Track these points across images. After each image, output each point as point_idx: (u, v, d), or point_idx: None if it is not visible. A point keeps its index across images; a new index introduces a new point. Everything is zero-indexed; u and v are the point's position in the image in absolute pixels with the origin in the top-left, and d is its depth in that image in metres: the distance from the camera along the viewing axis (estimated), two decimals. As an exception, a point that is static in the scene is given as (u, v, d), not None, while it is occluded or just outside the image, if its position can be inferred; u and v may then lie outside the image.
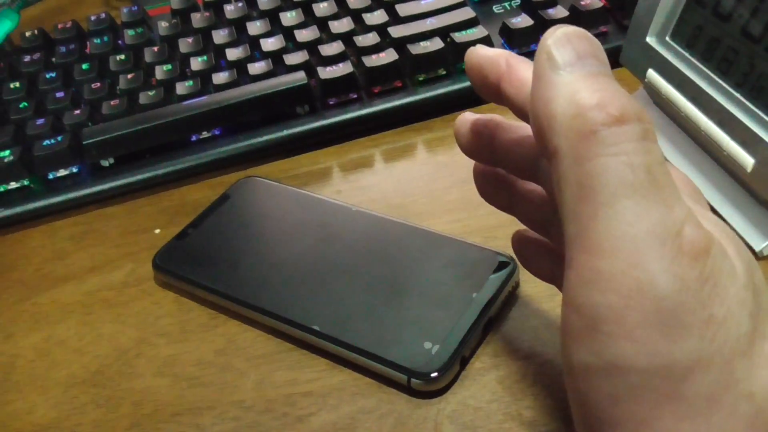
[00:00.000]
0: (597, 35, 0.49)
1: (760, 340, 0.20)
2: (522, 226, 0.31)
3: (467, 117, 0.29)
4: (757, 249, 0.34)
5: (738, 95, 0.34)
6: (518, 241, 0.31)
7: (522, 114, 0.25)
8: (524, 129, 0.27)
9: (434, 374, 0.32)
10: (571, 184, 0.20)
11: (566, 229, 0.21)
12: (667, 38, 0.39)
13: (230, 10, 0.55)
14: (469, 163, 0.44)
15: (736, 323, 0.19)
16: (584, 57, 0.21)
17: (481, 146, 0.29)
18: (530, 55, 0.48)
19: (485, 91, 0.26)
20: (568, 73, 0.21)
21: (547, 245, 0.30)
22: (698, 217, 0.20)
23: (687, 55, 0.37)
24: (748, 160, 0.33)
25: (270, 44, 0.51)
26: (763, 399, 0.19)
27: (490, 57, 0.25)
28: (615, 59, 0.44)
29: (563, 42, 0.21)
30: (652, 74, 0.39)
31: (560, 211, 0.21)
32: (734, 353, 0.19)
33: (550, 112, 0.21)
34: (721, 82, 0.35)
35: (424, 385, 0.32)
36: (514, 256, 0.36)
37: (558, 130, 0.20)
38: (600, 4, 0.49)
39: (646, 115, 0.20)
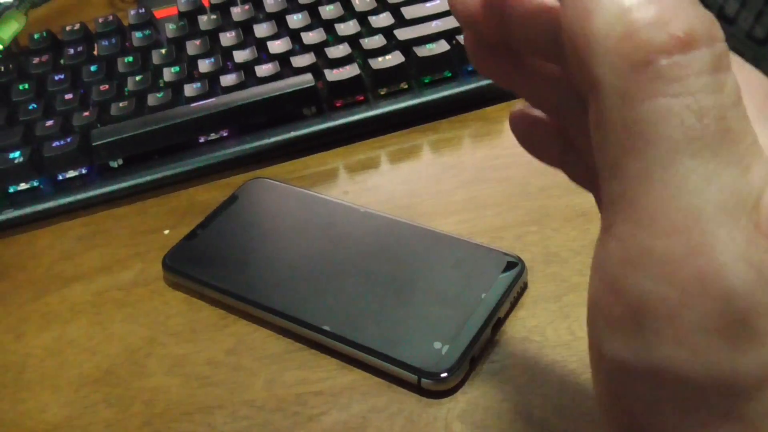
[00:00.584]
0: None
1: None
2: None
3: None
4: None
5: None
6: (520, 120, 0.25)
7: (535, 41, 0.20)
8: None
9: (444, 374, 0.32)
10: (617, 131, 0.16)
11: (606, 185, 0.16)
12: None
13: (237, 12, 0.55)
14: (474, 164, 0.45)
15: None
16: None
17: (488, 16, 0.22)
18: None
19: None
20: None
21: (556, 127, 0.24)
22: None
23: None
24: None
25: (277, 46, 0.52)
26: None
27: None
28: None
29: None
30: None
31: (598, 158, 0.17)
32: None
33: (589, 28, 0.16)
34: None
35: (434, 384, 0.32)
36: (522, 257, 0.36)
37: (600, 56, 0.16)
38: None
39: (719, 31, 0.16)
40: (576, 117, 0.22)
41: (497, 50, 0.23)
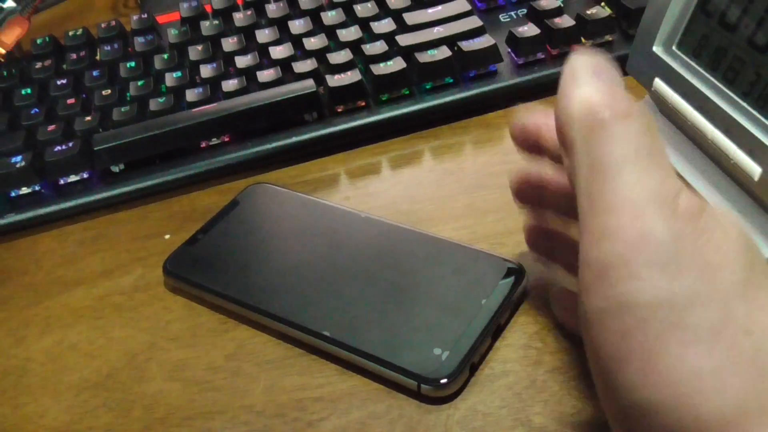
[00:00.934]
0: (602, 44, 0.50)
1: (754, 288, 0.22)
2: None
3: (517, 169, 0.34)
4: (764, 257, 0.35)
5: (745, 104, 0.34)
6: (560, 295, 0.34)
7: (559, 158, 0.29)
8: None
9: (444, 380, 0.32)
10: (584, 167, 0.24)
11: (580, 207, 0.24)
12: (674, 48, 0.39)
13: (239, 17, 0.56)
14: (475, 170, 0.45)
15: (730, 271, 0.22)
16: (599, 72, 0.25)
17: (531, 193, 0.34)
18: (537, 62, 0.49)
19: (527, 145, 0.32)
20: (585, 84, 0.25)
21: None
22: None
23: (693, 64, 0.38)
24: (755, 169, 0.33)
25: (279, 52, 0.52)
26: (760, 338, 0.21)
27: (531, 118, 0.31)
28: (621, 68, 0.44)
29: (583, 62, 0.26)
30: (658, 83, 0.40)
31: (576, 193, 0.24)
32: (730, 295, 0.21)
33: (568, 113, 0.25)
34: (727, 91, 0.35)
35: (433, 391, 0.32)
36: (523, 263, 0.36)
37: (574, 126, 0.24)
38: (606, 14, 0.49)
39: (650, 116, 0.24)
40: None
41: (544, 233, 0.34)
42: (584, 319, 0.23)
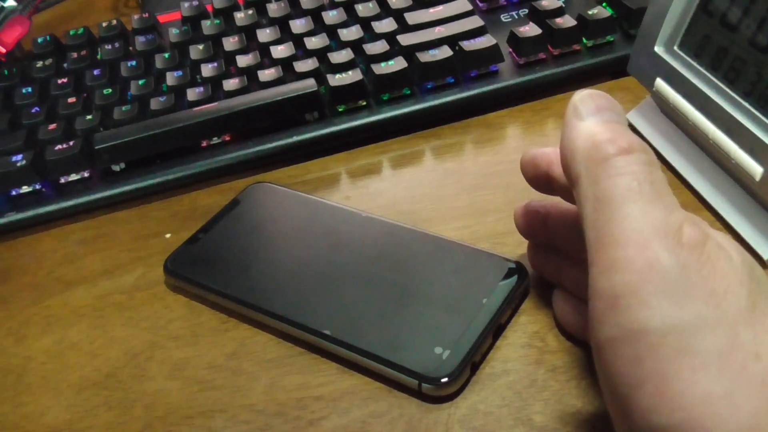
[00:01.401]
0: (603, 45, 0.50)
1: (760, 314, 0.23)
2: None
3: (525, 204, 0.35)
4: (765, 257, 0.35)
5: (746, 104, 0.34)
6: (559, 300, 0.35)
7: (569, 192, 0.29)
8: (573, 210, 0.33)
9: (445, 379, 0.32)
10: (590, 200, 0.25)
11: (587, 238, 0.25)
12: (675, 48, 0.39)
13: (240, 17, 0.56)
14: (476, 170, 0.45)
15: (736, 297, 0.22)
16: (602, 110, 0.27)
17: (536, 225, 0.35)
18: (538, 62, 0.49)
19: (537, 180, 0.32)
20: (589, 120, 0.26)
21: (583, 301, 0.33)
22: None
23: (695, 64, 0.38)
24: (756, 169, 0.33)
25: (280, 51, 0.52)
26: None
27: (541, 150, 0.32)
28: (622, 68, 0.45)
29: (587, 99, 0.27)
30: (660, 83, 0.40)
31: (582, 225, 0.25)
32: (737, 321, 0.22)
33: (573, 148, 0.26)
34: (729, 91, 0.36)
35: (434, 389, 0.32)
36: (523, 262, 0.36)
37: (579, 160, 0.25)
38: (607, 14, 0.49)
39: (651, 152, 0.25)
40: None
41: (547, 253, 0.36)
42: (596, 346, 0.24)
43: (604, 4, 0.52)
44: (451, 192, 0.44)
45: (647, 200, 0.24)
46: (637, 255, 0.23)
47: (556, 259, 0.35)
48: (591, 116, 0.26)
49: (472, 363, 0.33)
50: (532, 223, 0.35)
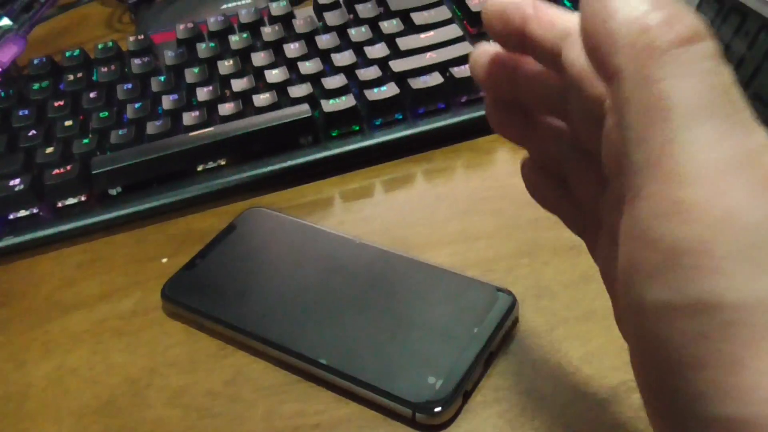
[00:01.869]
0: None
1: None
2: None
3: (486, 48, 0.27)
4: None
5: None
6: (529, 170, 0.30)
7: (549, 57, 0.25)
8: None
9: (438, 408, 0.33)
10: (638, 108, 0.19)
11: (631, 157, 0.19)
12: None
13: (234, 40, 0.56)
14: (467, 195, 0.46)
15: None
16: None
17: (501, 78, 0.28)
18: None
19: (506, 38, 0.26)
20: None
21: (556, 179, 0.29)
22: None
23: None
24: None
25: (274, 76, 0.53)
26: None
27: (513, 1, 0.25)
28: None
29: None
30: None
31: (622, 137, 0.20)
32: None
33: (608, 28, 0.19)
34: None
35: (428, 418, 0.33)
36: (513, 291, 0.37)
37: (620, 49, 0.19)
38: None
39: (710, 34, 0.19)
40: (576, 168, 0.27)
41: (511, 110, 0.29)
42: (637, 306, 0.19)
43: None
44: (442, 217, 0.45)
45: (722, 116, 0.18)
46: (712, 199, 0.18)
47: (521, 119, 0.29)
48: None
49: (464, 392, 0.34)
50: (497, 74, 0.28)
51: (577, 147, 0.26)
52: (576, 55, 0.23)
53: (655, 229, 0.18)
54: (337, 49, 0.54)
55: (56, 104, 0.54)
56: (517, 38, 0.25)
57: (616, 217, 0.21)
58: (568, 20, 0.24)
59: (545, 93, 0.27)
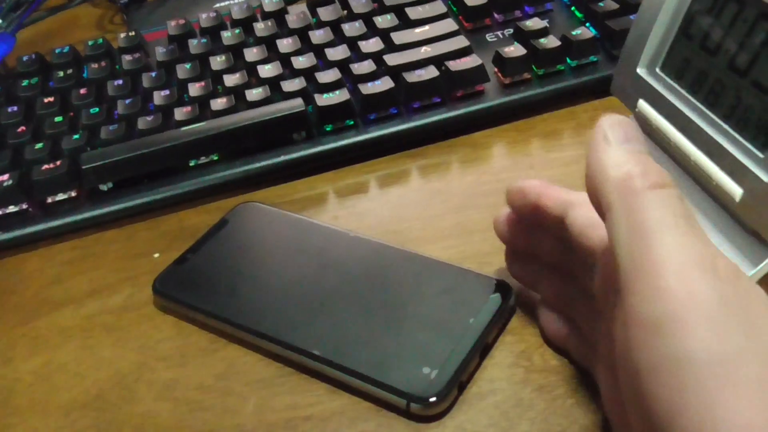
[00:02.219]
0: (587, 65, 0.51)
1: None
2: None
3: (506, 212, 0.36)
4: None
5: (726, 127, 0.35)
6: (542, 312, 0.36)
7: (557, 222, 0.32)
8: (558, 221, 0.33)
9: (433, 399, 0.32)
10: (624, 229, 0.25)
11: (620, 266, 0.25)
12: (657, 70, 0.40)
13: (227, 36, 0.56)
14: (462, 190, 0.45)
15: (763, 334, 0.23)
16: (631, 139, 0.28)
17: (519, 236, 0.36)
18: (523, 82, 0.49)
19: (523, 209, 0.34)
20: (619, 148, 0.27)
21: (566, 318, 0.35)
22: None
23: (676, 86, 0.38)
24: (736, 190, 0.34)
25: (267, 71, 0.52)
26: None
27: (530, 182, 0.34)
28: (605, 89, 0.45)
29: (616, 126, 0.28)
30: (642, 104, 0.40)
31: (613, 252, 0.26)
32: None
33: (604, 175, 0.27)
34: (709, 113, 0.36)
35: (422, 409, 0.32)
36: (509, 282, 0.37)
37: (611, 190, 0.26)
38: (590, 35, 0.50)
39: (676, 185, 0.27)
40: (582, 308, 0.33)
41: (527, 261, 0.36)
42: (634, 372, 0.24)
43: (587, 24, 0.53)
44: (437, 212, 0.44)
45: (683, 232, 0.25)
46: (679, 285, 0.23)
47: (536, 268, 0.36)
48: (620, 144, 0.27)
49: (459, 383, 0.33)
50: (515, 230, 0.36)
51: (581, 290, 0.33)
52: (576, 217, 0.31)
53: (642, 311, 0.24)
54: (331, 44, 0.54)
55: (45, 101, 0.53)
56: (532, 209, 0.33)
57: (608, 344, 0.27)
58: (570, 194, 0.32)
59: (554, 248, 0.34)
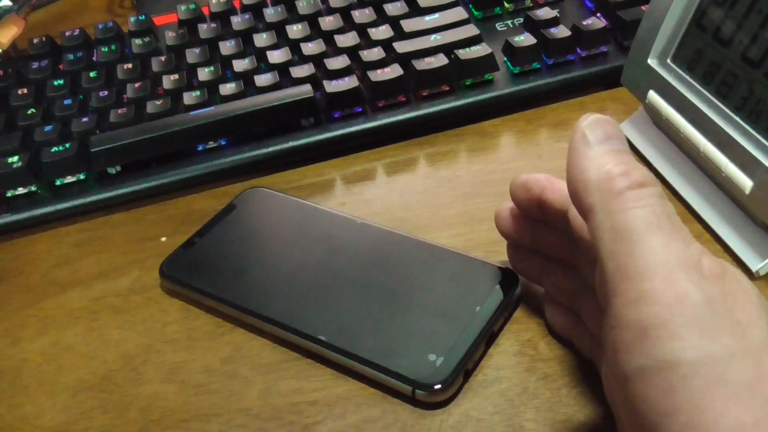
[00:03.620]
0: (597, 55, 0.51)
1: None
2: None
3: (508, 206, 0.36)
4: (753, 269, 0.35)
5: (737, 118, 0.35)
6: (548, 305, 0.36)
7: (560, 215, 0.32)
8: (562, 215, 0.33)
9: (438, 386, 0.32)
10: (607, 231, 0.25)
11: (605, 268, 0.25)
12: (668, 61, 0.40)
13: (237, 21, 0.56)
14: (470, 178, 0.45)
15: (758, 328, 0.23)
16: (611, 138, 0.27)
17: (523, 230, 0.35)
18: (532, 72, 0.49)
19: (527, 203, 0.34)
20: (598, 149, 0.27)
21: (570, 311, 0.35)
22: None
23: (687, 78, 0.38)
24: (746, 183, 0.34)
25: (276, 56, 0.52)
26: None
27: (534, 176, 0.34)
28: (615, 79, 0.45)
29: (594, 125, 0.27)
30: (652, 95, 0.40)
31: (598, 254, 0.26)
32: (761, 350, 0.23)
33: (585, 177, 0.26)
34: (720, 105, 0.36)
35: (428, 396, 0.32)
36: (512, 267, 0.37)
37: (593, 191, 0.26)
38: (601, 25, 0.50)
39: (659, 183, 0.26)
40: (585, 301, 0.33)
41: (530, 255, 0.36)
42: (623, 375, 0.24)
43: (598, 14, 0.52)
44: (445, 200, 0.44)
45: (666, 233, 0.24)
46: (665, 287, 0.23)
47: (539, 262, 0.36)
48: (600, 144, 0.27)
49: (465, 370, 0.33)
50: (518, 225, 0.36)
51: (585, 285, 0.32)
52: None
53: (628, 314, 0.24)
54: (341, 31, 0.54)
55: (55, 83, 0.53)
56: (537, 203, 0.33)
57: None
58: None
59: (558, 243, 0.34)
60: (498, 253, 0.39)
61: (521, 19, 0.54)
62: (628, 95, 0.45)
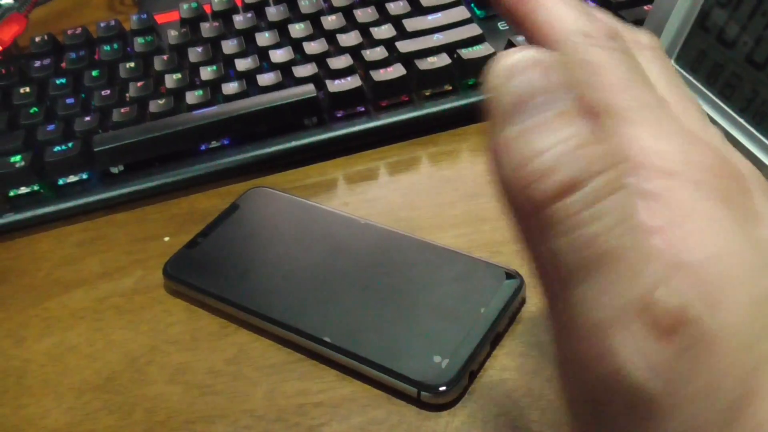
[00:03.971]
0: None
1: (758, 399, 0.16)
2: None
3: None
4: None
5: (741, 120, 0.35)
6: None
7: None
8: None
9: (443, 388, 0.32)
10: (533, 262, 0.19)
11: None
12: (672, 62, 0.40)
13: (239, 20, 0.56)
14: (473, 178, 0.45)
15: (724, 390, 0.16)
16: None
17: None
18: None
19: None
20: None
21: None
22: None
23: (691, 79, 0.38)
24: (750, 185, 0.34)
25: (279, 56, 0.52)
26: None
27: None
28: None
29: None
30: (656, 96, 0.40)
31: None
32: (721, 424, 0.16)
33: (498, 178, 0.19)
34: (724, 106, 0.36)
35: (433, 398, 0.33)
36: (520, 272, 0.37)
37: (509, 202, 0.19)
38: (604, 25, 0.50)
39: (603, 158, 0.17)
40: None
41: None
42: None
43: (600, 14, 0.52)
44: (448, 199, 0.44)
45: (597, 272, 0.17)
46: (595, 361, 0.17)
47: None
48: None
49: (470, 372, 0.33)
50: None
51: None
52: None
53: (564, 380, 0.19)
54: (343, 30, 0.53)
55: (58, 82, 0.53)
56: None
57: None
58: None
59: None
60: (502, 254, 0.40)
61: (524, 19, 0.54)
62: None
